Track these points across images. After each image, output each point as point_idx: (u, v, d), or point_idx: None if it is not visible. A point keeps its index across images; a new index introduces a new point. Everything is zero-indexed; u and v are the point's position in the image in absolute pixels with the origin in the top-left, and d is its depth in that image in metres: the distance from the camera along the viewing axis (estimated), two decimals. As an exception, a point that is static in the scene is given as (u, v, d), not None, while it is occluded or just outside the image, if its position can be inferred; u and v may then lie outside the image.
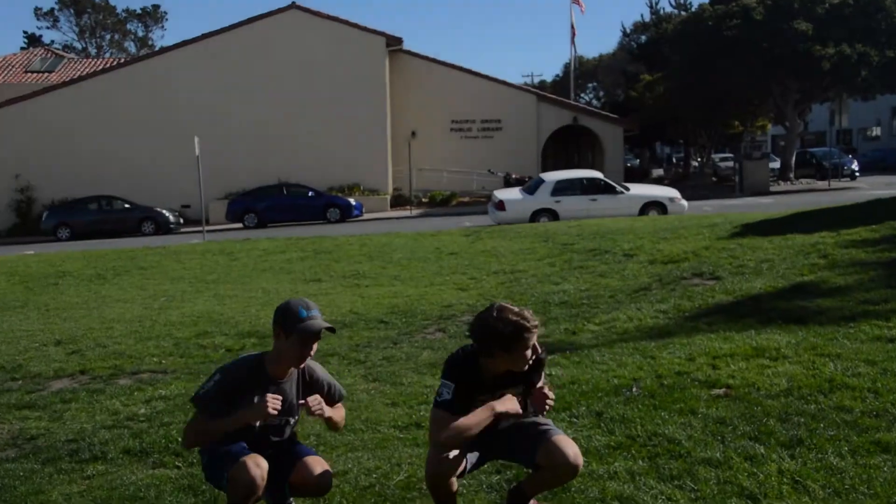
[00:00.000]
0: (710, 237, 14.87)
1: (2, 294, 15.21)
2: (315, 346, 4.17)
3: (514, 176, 39.74)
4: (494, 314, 3.88)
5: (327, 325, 4.13)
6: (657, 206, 25.08)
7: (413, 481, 4.87)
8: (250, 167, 38.35)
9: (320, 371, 4.40)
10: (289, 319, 4.08)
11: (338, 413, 4.40)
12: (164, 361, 8.94)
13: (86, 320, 11.73)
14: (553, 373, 6.98)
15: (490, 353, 3.92)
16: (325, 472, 4.26)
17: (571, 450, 4.00)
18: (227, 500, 4.01)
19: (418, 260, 16.29)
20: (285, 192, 36.07)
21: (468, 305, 11.00)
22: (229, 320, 11.10)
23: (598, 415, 5.81)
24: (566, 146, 53.12)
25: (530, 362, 4.01)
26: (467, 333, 4.07)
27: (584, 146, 51.76)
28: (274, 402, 4.00)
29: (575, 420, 5.75)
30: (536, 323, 3.93)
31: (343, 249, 18.69)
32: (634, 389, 6.30)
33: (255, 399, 4.04)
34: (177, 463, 5.57)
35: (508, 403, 3.99)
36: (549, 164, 45.10)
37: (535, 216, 24.72)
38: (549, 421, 4.25)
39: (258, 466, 3.92)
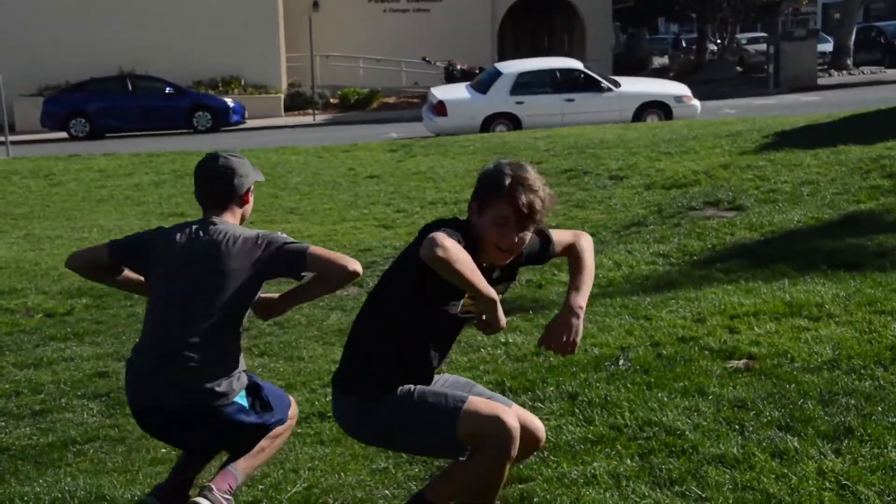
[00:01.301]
0: (731, 151, 15.04)
1: None
2: None
3: (459, 66, 39.45)
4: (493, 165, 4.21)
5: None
6: (658, 108, 25.20)
7: (315, 493, 4.94)
8: (79, 50, 37.20)
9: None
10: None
11: None
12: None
13: None
14: (511, 340, 7.06)
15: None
16: None
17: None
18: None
19: (324, 185, 16.29)
20: (131, 87, 35.21)
21: (394, 249, 10.95)
22: (49, 272, 10.99)
23: (572, 397, 5.88)
24: (533, 25, 52.88)
25: (517, 251, 4.15)
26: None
27: (558, 25, 51.56)
28: None
29: (540, 404, 5.80)
30: (524, 179, 4.07)
31: (216, 170, 18.53)
32: (622, 362, 6.37)
33: None
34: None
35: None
36: (508, 50, 44.91)
37: (489, 123, 24.66)
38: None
39: None
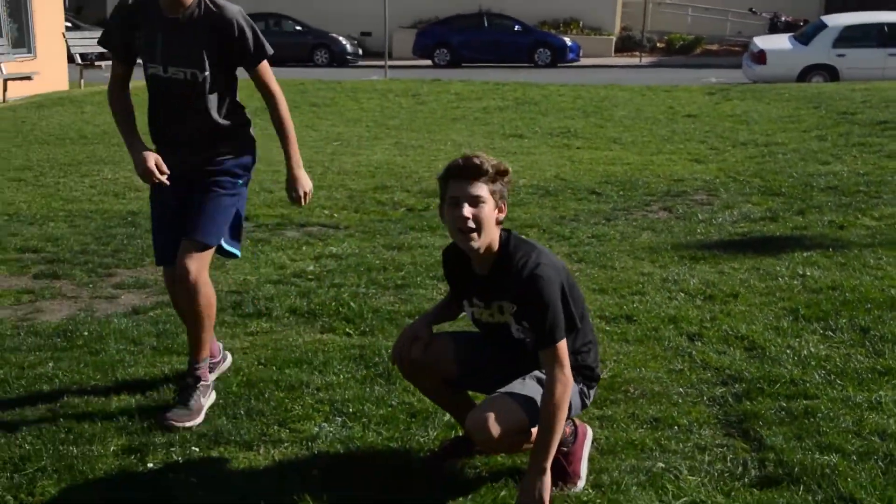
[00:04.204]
0: None
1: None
2: None
3: (784, 18, 37.68)
4: None
5: None
6: None
7: (618, 382, 5.03)
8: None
9: (233, 18, 4.46)
10: None
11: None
12: (336, 215, 9.33)
13: (249, 160, 12.33)
14: (808, 273, 6.87)
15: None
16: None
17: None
18: None
19: (645, 121, 16.03)
20: (486, 24, 35.91)
21: (704, 182, 10.81)
22: (412, 174, 11.35)
23: (864, 331, 5.64)
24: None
25: (472, 243, 3.72)
26: None
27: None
28: (155, 169, 4.39)
29: (831, 334, 5.64)
30: (472, 155, 3.72)
31: (552, 101, 18.57)
32: None
33: (141, 40, 4.48)
34: (347, 330, 5.96)
35: None
36: (834, 7, 42.47)
37: (807, 74, 23.14)
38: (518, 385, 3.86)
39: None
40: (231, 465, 4.25)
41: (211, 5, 4.42)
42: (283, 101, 4.73)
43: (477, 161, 3.67)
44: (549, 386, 3.66)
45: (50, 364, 5.38)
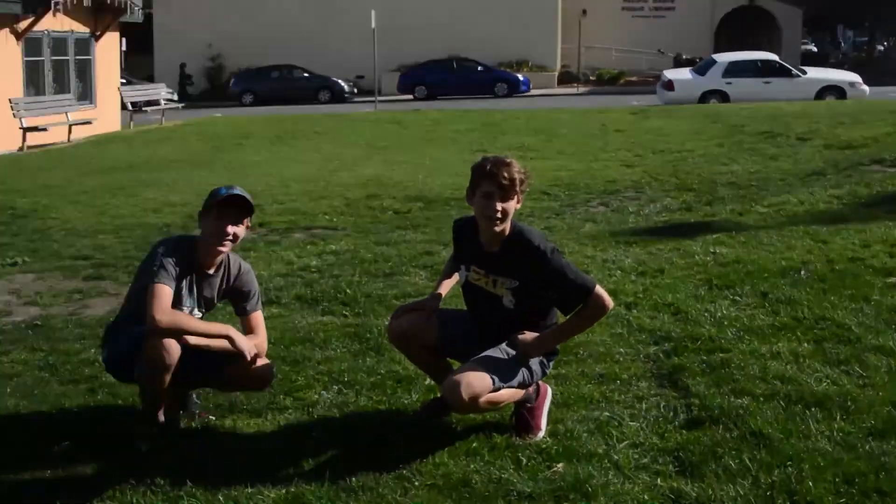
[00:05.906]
0: (894, 123, 13.76)
1: (192, 152, 15.88)
2: (237, 229, 3.85)
3: (684, 57, 38.13)
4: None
5: (240, 192, 3.85)
6: (835, 90, 23.26)
7: (570, 346, 4.69)
8: (421, 41, 37.84)
9: (248, 276, 4.09)
10: (208, 199, 3.89)
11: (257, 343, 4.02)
12: (335, 219, 9.10)
13: (266, 178, 12.08)
14: (717, 251, 6.72)
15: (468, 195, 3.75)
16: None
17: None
18: (140, 387, 3.86)
19: (583, 136, 15.80)
20: (455, 66, 35.84)
21: (632, 182, 10.64)
22: (397, 184, 11.13)
23: (763, 295, 5.52)
24: (741, 31, 49.92)
25: (496, 227, 3.63)
26: None
27: (760, 31, 48.48)
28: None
29: (738, 298, 5.50)
30: (504, 161, 3.61)
31: (509, 123, 18.39)
32: (803, 273, 5.90)
33: (183, 290, 3.90)
34: (344, 312, 5.69)
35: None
36: (721, 48, 42.69)
37: (705, 97, 23.32)
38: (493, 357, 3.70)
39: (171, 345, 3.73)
40: (242, 430, 3.97)
41: (231, 266, 4.02)
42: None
43: (515, 176, 3.60)
44: (587, 310, 3.70)
45: (92, 350, 5.06)
